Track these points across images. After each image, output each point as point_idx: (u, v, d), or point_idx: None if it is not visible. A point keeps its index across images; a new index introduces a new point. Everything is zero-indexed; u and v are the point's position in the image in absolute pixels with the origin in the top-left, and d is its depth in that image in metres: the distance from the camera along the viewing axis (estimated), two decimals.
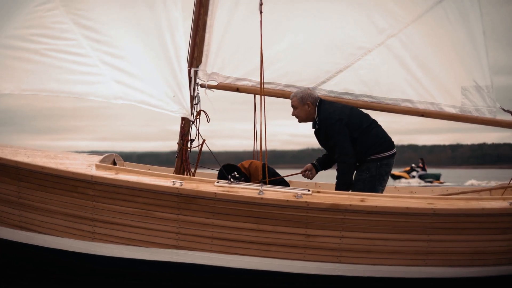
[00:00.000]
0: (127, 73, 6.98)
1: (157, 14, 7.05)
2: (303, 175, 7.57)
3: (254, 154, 7.84)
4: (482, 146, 74.19)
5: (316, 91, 7.52)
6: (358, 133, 7.02)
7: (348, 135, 6.98)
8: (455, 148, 72.28)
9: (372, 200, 6.39)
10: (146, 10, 7.07)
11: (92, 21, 7.02)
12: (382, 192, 7.06)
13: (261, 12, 6.98)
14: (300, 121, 7.27)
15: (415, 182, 40.91)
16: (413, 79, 7.62)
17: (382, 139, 7.11)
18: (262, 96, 6.89)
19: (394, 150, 7.17)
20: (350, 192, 6.66)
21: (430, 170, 47.66)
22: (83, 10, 7.03)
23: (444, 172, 49.70)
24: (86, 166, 6.83)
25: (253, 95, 7.59)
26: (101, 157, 7.49)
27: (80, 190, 6.43)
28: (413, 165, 45.59)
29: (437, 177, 43.29)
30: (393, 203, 6.36)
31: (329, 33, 7.63)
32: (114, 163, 7.77)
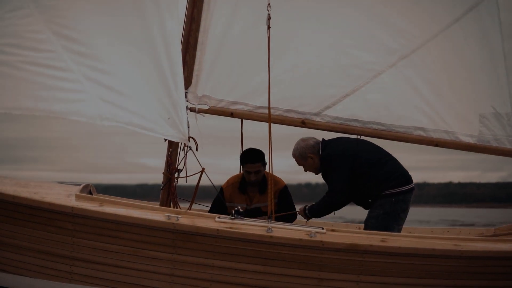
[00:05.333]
0: (116, 91, 6.25)
1: (149, 25, 6.32)
2: (299, 213, 6.91)
3: None
4: (449, 185, 74.67)
5: (319, 117, 6.91)
6: (366, 167, 6.45)
7: (347, 173, 6.42)
8: (422, 187, 72.60)
9: (393, 240, 5.82)
10: (138, 20, 6.35)
11: (74, 31, 6.27)
12: (399, 232, 6.44)
13: (269, 28, 6.30)
14: (316, 173, 6.74)
15: None
16: (427, 105, 7.01)
17: (397, 172, 6.52)
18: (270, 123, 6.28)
19: (412, 185, 6.58)
20: (368, 231, 5.99)
21: None
22: (63, 17, 6.27)
23: (411, 211, 49.57)
24: (64, 197, 6.17)
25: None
26: (80, 187, 6.71)
27: (57, 223, 5.84)
28: None
29: None
30: (417, 244, 5.78)
31: (335, 53, 6.99)
32: (90, 194, 6.99)
